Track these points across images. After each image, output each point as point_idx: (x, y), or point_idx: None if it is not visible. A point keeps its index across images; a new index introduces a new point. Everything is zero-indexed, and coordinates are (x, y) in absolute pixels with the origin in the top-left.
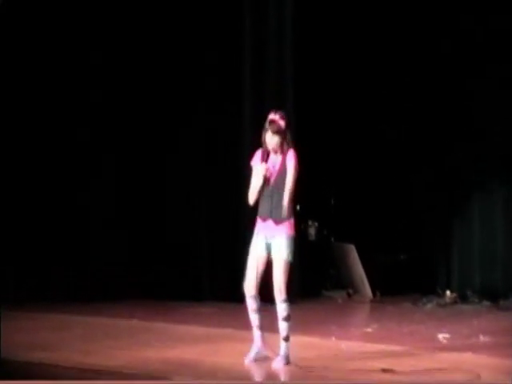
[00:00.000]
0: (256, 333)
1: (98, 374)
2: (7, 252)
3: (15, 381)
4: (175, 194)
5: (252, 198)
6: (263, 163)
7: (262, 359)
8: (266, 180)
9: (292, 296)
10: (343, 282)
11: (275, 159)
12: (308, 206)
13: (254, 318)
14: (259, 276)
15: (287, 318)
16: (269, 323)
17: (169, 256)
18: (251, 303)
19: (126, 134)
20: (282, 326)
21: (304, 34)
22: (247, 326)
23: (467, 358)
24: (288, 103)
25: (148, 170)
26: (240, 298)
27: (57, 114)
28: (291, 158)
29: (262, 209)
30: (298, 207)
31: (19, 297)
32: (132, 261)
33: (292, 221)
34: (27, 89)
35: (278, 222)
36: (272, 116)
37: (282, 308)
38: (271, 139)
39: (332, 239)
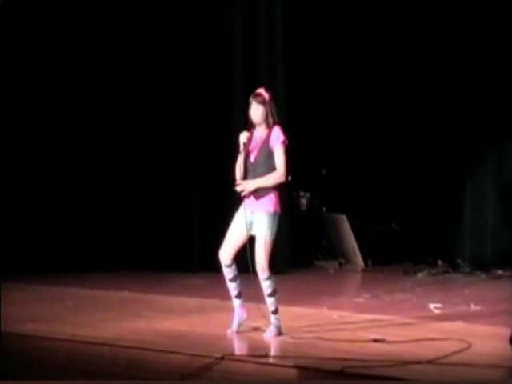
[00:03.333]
0: (236, 302)
1: (90, 345)
2: None
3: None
4: (168, 169)
5: (237, 172)
6: (245, 132)
7: (251, 330)
8: (246, 150)
9: (284, 266)
10: (335, 252)
11: (260, 136)
12: (299, 177)
13: (231, 287)
14: (235, 248)
15: (272, 294)
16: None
17: (160, 227)
18: (227, 272)
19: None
20: (269, 301)
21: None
22: None
23: (458, 326)
24: (278, 75)
25: (144, 146)
26: None
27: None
28: (277, 136)
29: None
30: (289, 178)
31: (9, 269)
32: (123, 232)
33: (273, 197)
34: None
35: (258, 196)
36: (256, 90)
37: (266, 285)
38: (255, 110)
39: (323, 209)
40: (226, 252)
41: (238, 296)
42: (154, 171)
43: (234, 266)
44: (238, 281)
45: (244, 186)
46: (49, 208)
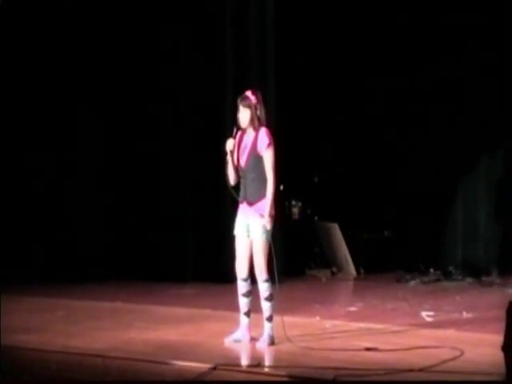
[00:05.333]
0: (243, 320)
1: (82, 356)
2: None
3: None
4: (160, 177)
5: (229, 178)
6: (231, 138)
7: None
8: (233, 156)
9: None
10: (327, 261)
11: (247, 139)
12: (291, 186)
13: (242, 302)
14: (246, 257)
15: (269, 298)
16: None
17: (152, 238)
18: (241, 286)
19: (113, 123)
20: (265, 306)
21: (285, 15)
22: (228, 306)
23: (450, 334)
24: (269, 82)
25: (135, 152)
26: (223, 280)
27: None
28: (263, 140)
29: (240, 192)
30: (281, 187)
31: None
32: (115, 242)
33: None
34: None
35: (251, 203)
36: (244, 93)
37: (264, 288)
38: (242, 114)
39: (315, 218)
40: (239, 265)
41: (247, 314)
42: (145, 180)
43: (249, 281)
44: (251, 298)
45: (269, 221)
46: (40, 215)
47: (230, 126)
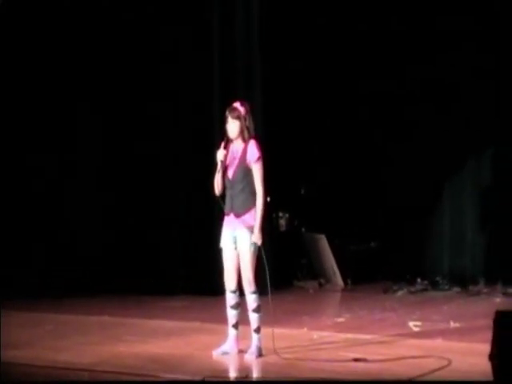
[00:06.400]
0: (231, 332)
1: (70, 371)
2: None
3: None
4: (148, 188)
5: (215, 187)
6: (222, 149)
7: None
8: (224, 167)
9: (263, 287)
10: (314, 272)
11: (236, 150)
12: (278, 197)
13: (230, 314)
14: (234, 270)
15: (257, 310)
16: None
17: (140, 251)
18: (229, 299)
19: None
20: (253, 318)
21: (271, 22)
22: (218, 318)
23: (438, 344)
24: (256, 93)
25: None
26: (212, 292)
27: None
28: (253, 153)
29: (225, 204)
30: (268, 198)
31: None
32: (103, 256)
33: (253, 212)
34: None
35: (238, 214)
36: (232, 105)
37: (251, 299)
38: (231, 125)
39: (303, 229)
40: (227, 277)
41: (235, 326)
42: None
43: (237, 293)
44: (239, 310)
45: (259, 237)
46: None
47: (217, 137)
